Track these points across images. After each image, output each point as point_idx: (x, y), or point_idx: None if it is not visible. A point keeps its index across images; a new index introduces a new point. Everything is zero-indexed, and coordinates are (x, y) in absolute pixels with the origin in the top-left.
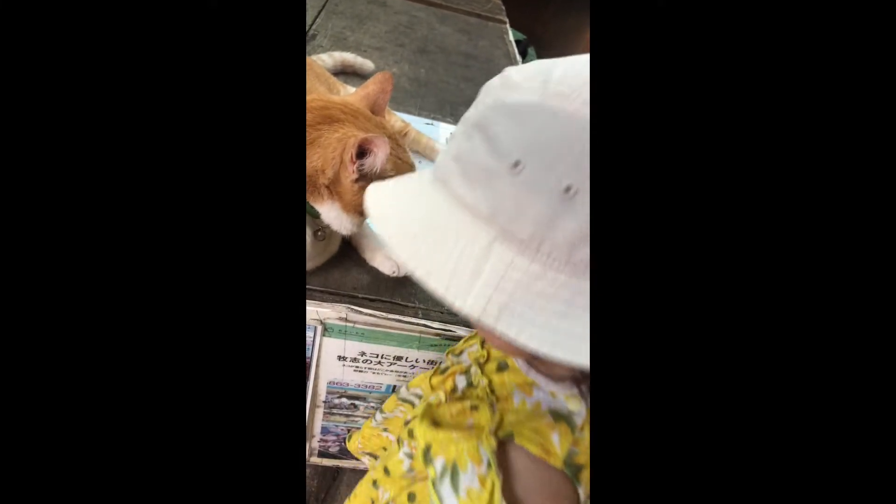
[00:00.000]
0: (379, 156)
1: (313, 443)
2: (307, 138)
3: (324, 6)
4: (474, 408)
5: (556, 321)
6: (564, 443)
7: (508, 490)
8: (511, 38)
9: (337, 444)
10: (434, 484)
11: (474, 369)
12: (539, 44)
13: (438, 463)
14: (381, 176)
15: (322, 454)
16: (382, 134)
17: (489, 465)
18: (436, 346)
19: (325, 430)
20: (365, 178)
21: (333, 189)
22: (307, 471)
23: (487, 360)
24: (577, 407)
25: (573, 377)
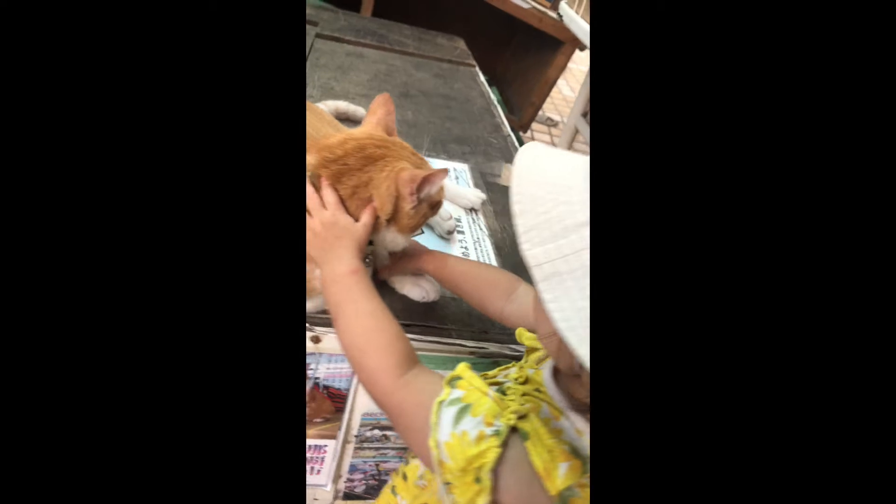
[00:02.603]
0: (436, 184)
1: (340, 484)
2: (359, 181)
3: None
4: (504, 392)
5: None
6: (570, 477)
7: (493, 473)
8: (482, 78)
9: (363, 482)
10: (441, 403)
11: (519, 370)
12: (502, 81)
13: (456, 393)
14: (433, 199)
15: (347, 496)
16: (423, 162)
17: (495, 434)
18: (471, 363)
19: (352, 469)
20: (421, 203)
21: (392, 218)
22: None
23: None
24: None
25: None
